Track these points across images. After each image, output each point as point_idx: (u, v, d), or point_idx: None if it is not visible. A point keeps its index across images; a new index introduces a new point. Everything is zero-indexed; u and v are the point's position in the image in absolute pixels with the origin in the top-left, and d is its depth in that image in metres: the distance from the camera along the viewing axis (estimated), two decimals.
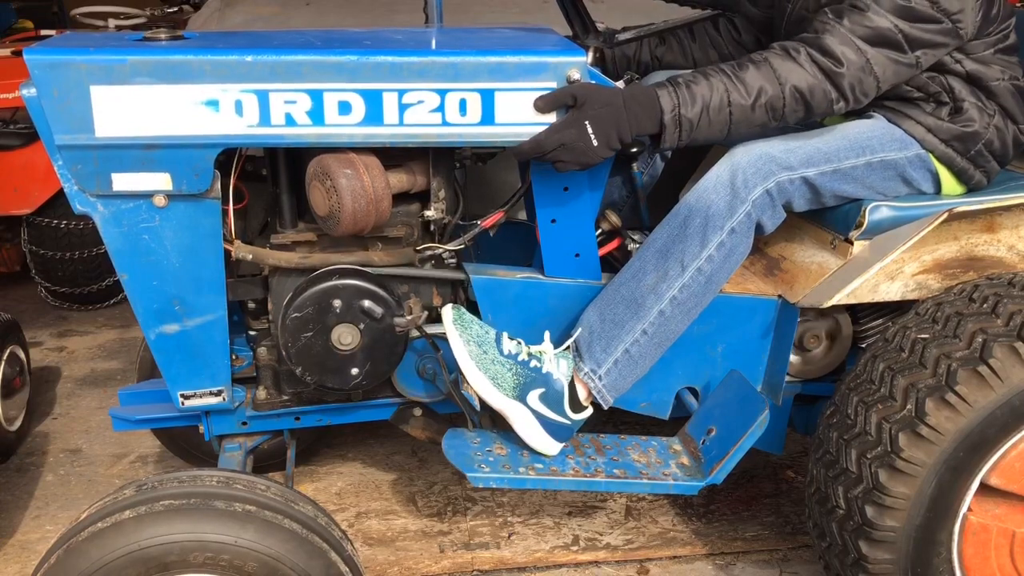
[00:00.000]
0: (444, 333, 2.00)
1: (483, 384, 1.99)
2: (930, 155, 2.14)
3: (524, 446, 2.08)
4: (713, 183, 2.03)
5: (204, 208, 1.90)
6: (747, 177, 2.01)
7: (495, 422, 2.16)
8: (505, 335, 2.04)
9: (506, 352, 2.01)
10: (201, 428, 2.24)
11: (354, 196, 1.88)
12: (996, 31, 2.12)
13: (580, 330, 2.08)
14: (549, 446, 2.08)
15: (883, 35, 1.94)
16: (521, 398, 2.02)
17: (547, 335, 2.09)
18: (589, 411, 2.09)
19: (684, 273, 2.02)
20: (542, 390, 2.02)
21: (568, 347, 2.09)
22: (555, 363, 2.04)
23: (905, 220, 2.08)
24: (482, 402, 2.04)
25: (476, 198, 3.21)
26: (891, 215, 2.09)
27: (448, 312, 2.00)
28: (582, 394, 2.07)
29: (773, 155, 2.04)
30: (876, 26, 1.93)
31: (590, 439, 2.20)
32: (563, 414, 2.05)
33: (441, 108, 1.85)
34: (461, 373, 2.00)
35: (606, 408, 2.09)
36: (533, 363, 2.02)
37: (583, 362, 2.06)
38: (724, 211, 2.01)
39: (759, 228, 2.06)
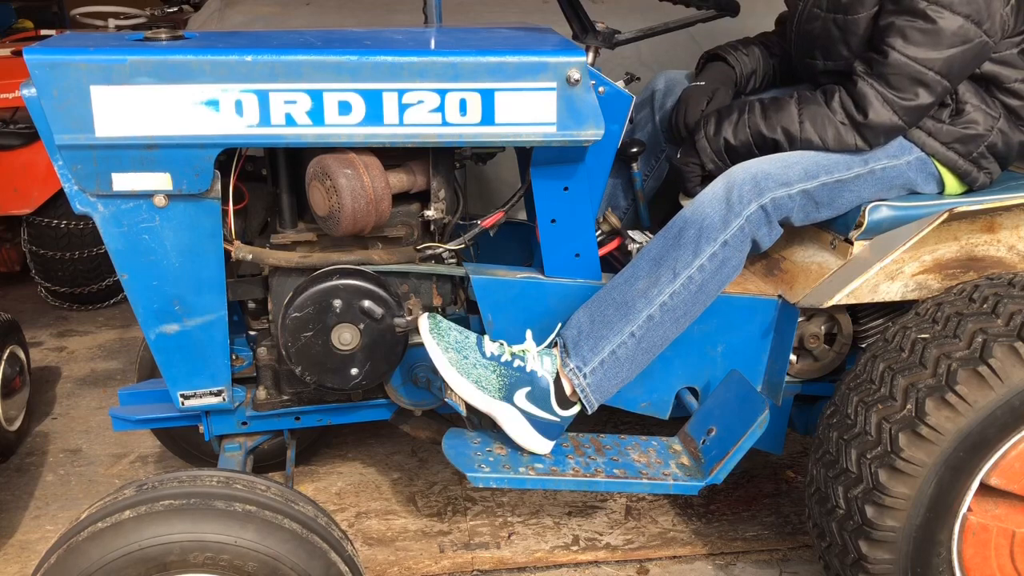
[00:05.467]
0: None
1: (467, 389, 1.99)
2: (931, 158, 2.14)
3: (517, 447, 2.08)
4: (709, 197, 2.06)
5: (204, 208, 1.90)
6: (742, 193, 2.04)
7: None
8: (486, 338, 2.04)
9: (488, 354, 2.01)
10: (201, 428, 2.24)
11: (354, 196, 1.88)
12: None
13: (568, 327, 2.08)
14: (540, 445, 2.08)
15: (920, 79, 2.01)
16: (508, 399, 2.01)
17: (529, 333, 2.08)
18: (577, 407, 2.09)
19: (675, 280, 2.03)
20: (528, 389, 2.02)
21: (550, 343, 2.09)
22: (539, 360, 2.04)
23: (905, 220, 2.09)
24: (468, 407, 2.03)
25: (476, 198, 3.22)
26: (891, 215, 2.09)
27: (424, 322, 1.99)
28: (568, 390, 2.06)
29: (770, 172, 2.06)
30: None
31: (590, 439, 2.20)
32: (551, 411, 2.05)
33: (441, 108, 1.84)
34: (443, 381, 2.00)
35: (590, 412, 2.08)
36: (516, 363, 2.02)
37: (569, 359, 2.05)
38: (718, 224, 2.03)
39: (754, 244, 2.08)
